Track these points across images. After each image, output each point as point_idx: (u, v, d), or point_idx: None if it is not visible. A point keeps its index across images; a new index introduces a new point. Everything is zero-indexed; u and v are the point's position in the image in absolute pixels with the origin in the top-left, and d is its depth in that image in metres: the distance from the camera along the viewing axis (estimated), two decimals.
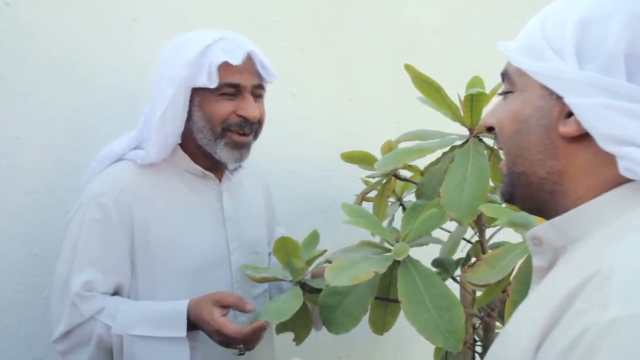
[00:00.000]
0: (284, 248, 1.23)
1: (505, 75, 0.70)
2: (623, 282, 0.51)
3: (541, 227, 0.66)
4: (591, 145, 0.60)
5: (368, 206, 1.48)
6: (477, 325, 1.39)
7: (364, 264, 1.07)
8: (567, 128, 0.62)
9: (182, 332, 1.15)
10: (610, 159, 0.59)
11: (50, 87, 1.42)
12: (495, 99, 0.73)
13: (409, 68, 1.21)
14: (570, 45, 0.61)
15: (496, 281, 1.02)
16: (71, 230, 1.21)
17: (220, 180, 1.33)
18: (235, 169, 1.35)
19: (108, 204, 1.19)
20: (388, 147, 1.42)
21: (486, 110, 1.26)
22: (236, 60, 1.18)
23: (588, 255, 0.59)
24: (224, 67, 1.19)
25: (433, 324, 1.04)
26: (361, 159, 1.47)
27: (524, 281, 1.02)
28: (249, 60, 1.22)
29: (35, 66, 1.40)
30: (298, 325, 1.27)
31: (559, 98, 0.62)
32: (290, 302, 1.17)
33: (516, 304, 1.01)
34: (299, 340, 1.32)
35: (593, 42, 0.60)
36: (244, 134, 1.24)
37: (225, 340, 1.14)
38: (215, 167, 1.31)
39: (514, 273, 1.05)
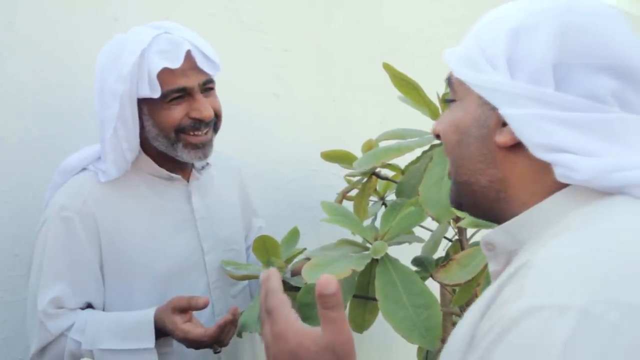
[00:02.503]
0: (264, 246, 1.23)
1: (449, 83, 0.71)
2: (538, 274, 0.52)
3: (492, 233, 0.67)
4: (528, 153, 0.61)
5: (350, 205, 1.48)
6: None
7: (342, 262, 1.08)
8: (502, 137, 0.63)
9: (151, 342, 1.13)
10: (548, 166, 0.60)
11: (32, 87, 1.42)
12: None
13: (387, 67, 1.22)
14: (502, 55, 0.62)
15: (466, 280, 1.03)
16: (37, 246, 1.19)
17: (188, 181, 1.30)
18: (203, 167, 1.33)
19: (71, 217, 1.16)
20: (368, 146, 1.43)
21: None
22: (175, 63, 1.12)
23: (524, 255, 0.60)
24: (165, 72, 1.12)
25: (410, 322, 1.04)
26: (341, 158, 1.48)
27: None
28: (190, 58, 1.15)
29: (17, 65, 1.40)
30: None
31: (495, 109, 0.63)
32: None
33: None
34: None
35: (523, 52, 0.61)
36: (201, 134, 1.20)
37: (194, 345, 1.13)
38: (182, 168, 1.28)
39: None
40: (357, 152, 1.50)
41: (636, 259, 0.51)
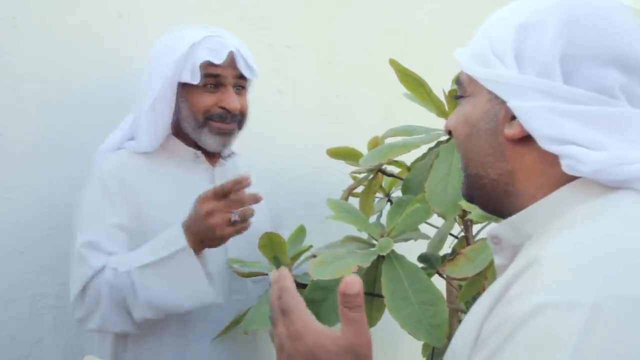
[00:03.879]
0: (270, 244, 1.23)
1: (458, 81, 0.73)
2: (547, 271, 0.52)
3: (499, 226, 0.68)
4: (536, 146, 0.62)
5: (356, 202, 1.48)
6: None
7: (348, 259, 1.07)
8: (511, 130, 0.64)
9: (183, 241, 1.15)
10: (555, 158, 0.61)
11: (35, 83, 1.41)
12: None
13: (393, 63, 1.21)
14: (510, 50, 0.63)
15: (474, 274, 1.03)
16: (78, 206, 1.28)
17: (213, 166, 1.40)
18: (229, 156, 1.43)
19: (106, 178, 1.27)
20: (374, 143, 1.42)
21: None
22: (219, 59, 1.27)
23: (531, 249, 0.60)
24: (206, 64, 1.28)
25: (416, 318, 1.04)
26: (347, 155, 1.48)
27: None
28: (232, 58, 1.30)
29: (20, 62, 1.39)
30: None
31: (504, 102, 0.64)
32: None
33: None
34: None
35: (531, 47, 0.62)
36: (226, 124, 1.32)
37: (205, 204, 1.13)
38: (209, 154, 1.38)
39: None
40: (362, 149, 1.49)
41: None
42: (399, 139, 1.29)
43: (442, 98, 1.25)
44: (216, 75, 1.29)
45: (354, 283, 0.54)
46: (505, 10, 0.68)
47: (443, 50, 2.09)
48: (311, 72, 1.85)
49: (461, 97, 0.72)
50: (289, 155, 1.80)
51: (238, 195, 1.14)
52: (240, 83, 1.34)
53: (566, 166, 0.60)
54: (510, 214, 0.67)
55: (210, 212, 1.12)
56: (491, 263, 1.04)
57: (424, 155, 1.32)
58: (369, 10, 1.97)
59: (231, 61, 1.30)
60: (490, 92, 0.66)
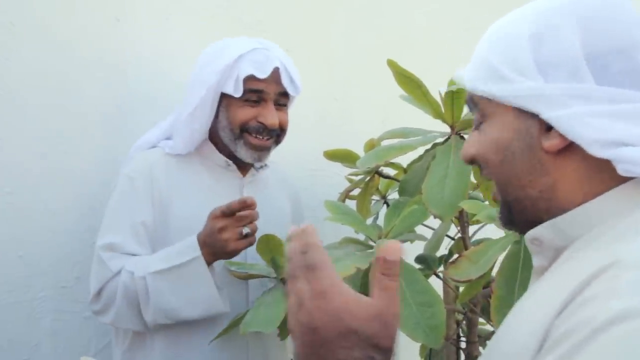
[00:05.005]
0: (267, 246, 1.24)
1: (471, 105, 0.70)
2: (629, 276, 0.50)
3: (540, 229, 0.65)
4: (578, 154, 0.59)
5: (353, 204, 1.49)
6: (462, 320, 1.40)
7: (346, 261, 1.08)
8: (550, 142, 0.61)
9: (197, 252, 1.20)
10: (601, 163, 0.58)
11: (33, 87, 1.42)
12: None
13: (391, 63, 1.21)
14: (530, 61, 0.61)
15: (477, 277, 1.03)
16: (108, 204, 1.32)
17: (244, 176, 1.41)
18: (261, 167, 1.44)
19: (135, 177, 1.30)
20: (371, 145, 1.43)
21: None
22: (263, 74, 1.27)
23: (598, 252, 0.57)
24: (250, 79, 1.28)
25: (414, 319, 1.04)
26: (344, 157, 1.48)
27: (508, 276, 1.03)
28: (276, 73, 1.30)
29: (18, 66, 1.40)
30: (283, 322, 1.27)
31: (534, 115, 0.61)
32: (276, 307, 1.17)
33: (501, 299, 1.02)
34: (282, 335, 1.32)
35: (550, 53, 0.60)
36: (262, 139, 1.32)
37: (218, 220, 1.19)
38: (240, 165, 1.39)
39: (496, 268, 1.06)
40: (359, 151, 1.50)
41: None
42: (395, 141, 1.29)
43: (439, 100, 1.25)
44: (259, 91, 1.29)
45: (395, 249, 0.51)
46: (505, 24, 0.66)
47: (441, 52, 2.11)
48: (309, 76, 1.86)
49: (480, 123, 0.68)
50: (286, 158, 1.80)
51: (247, 212, 1.20)
52: (282, 100, 1.34)
53: (623, 170, 0.57)
54: (551, 218, 0.64)
55: (223, 228, 1.18)
56: (493, 266, 1.05)
57: (421, 157, 1.33)
58: (367, 12, 1.98)
59: (275, 76, 1.29)
60: (515, 109, 0.63)
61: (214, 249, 1.20)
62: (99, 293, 1.26)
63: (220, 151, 1.37)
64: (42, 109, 1.43)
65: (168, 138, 1.38)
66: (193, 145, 1.34)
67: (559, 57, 0.59)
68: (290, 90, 1.33)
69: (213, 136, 1.37)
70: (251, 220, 1.21)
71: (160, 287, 1.20)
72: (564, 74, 0.59)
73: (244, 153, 1.33)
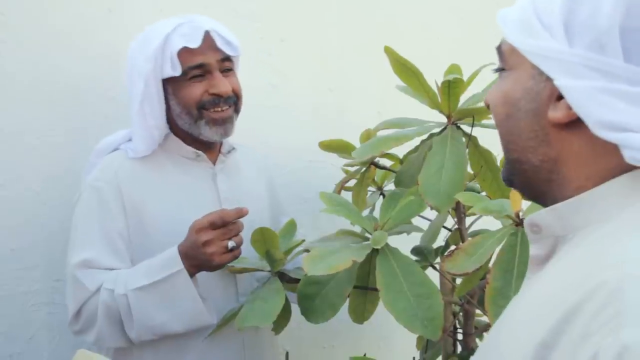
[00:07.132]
0: (262, 238, 1.22)
1: (499, 50, 0.65)
2: (635, 298, 0.46)
3: (541, 214, 0.61)
4: (586, 133, 0.55)
5: (349, 195, 1.48)
6: (459, 311, 1.39)
7: (342, 253, 1.07)
8: (556, 113, 0.57)
9: (179, 265, 1.16)
10: (610, 146, 0.54)
11: (25, 80, 1.40)
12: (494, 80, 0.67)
13: (388, 51, 1.19)
14: (559, 20, 0.55)
15: (474, 270, 1.02)
16: (73, 217, 1.26)
17: (214, 164, 1.36)
18: (229, 152, 1.39)
19: (101, 186, 1.24)
20: (367, 136, 1.42)
21: (464, 97, 1.26)
22: (194, 43, 1.22)
23: (593, 252, 0.54)
24: (185, 52, 1.22)
25: (412, 311, 1.04)
26: (340, 148, 1.47)
27: (505, 269, 1.02)
28: (209, 39, 1.24)
29: (10, 58, 1.38)
30: (277, 316, 1.26)
31: (549, 79, 0.57)
32: (272, 300, 1.16)
33: (496, 291, 1.01)
34: (277, 329, 1.31)
35: (584, 17, 0.54)
36: (221, 110, 1.27)
37: (203, 233, 1.14)
38: (208, 151, 1.35)
39: (493, 260, 1.05)
40: (355, 142, 1.49)
41: None
42: (391, 131, 1.28)
43: (435, 89, 1.24)
44: (200, 65, 1.24)
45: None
46: None
47: (436, 41, 2.10)
48: (304, 66, 1.84)
49: (502, 69, 0.64)
50: (282, 149, 1.79)
51: (235, 224, 1.17)
52: (226, 65, 1.29)
53: (629, 157, 0.52)
54: (554, 202, 0.61)
55: (208, 242, 1.14)
56: (490, 258, 1.04)
57: (417, 147, 1.32)
58: (361, 2, 1.96)
59: (210, 43, 1.24)
60: (534, 67, 0.58)
61: (198, 261, 1.16)
62: (77, 313, 1.20)
63: (186, 142, 1.32)
64: (34, 102, 1.41)
65: (130, 140, 1.32)
66: (155, 143, 1.29)
67: (591, 23, 0.54)
68: (228, 51, 1.27)
69: (173, 129, 1.32)
70: (236, 232, 1.18)
71: (143, 304, 1.16)
72: (590, 41, 0.54)
73: (208, 132, 1.28)
